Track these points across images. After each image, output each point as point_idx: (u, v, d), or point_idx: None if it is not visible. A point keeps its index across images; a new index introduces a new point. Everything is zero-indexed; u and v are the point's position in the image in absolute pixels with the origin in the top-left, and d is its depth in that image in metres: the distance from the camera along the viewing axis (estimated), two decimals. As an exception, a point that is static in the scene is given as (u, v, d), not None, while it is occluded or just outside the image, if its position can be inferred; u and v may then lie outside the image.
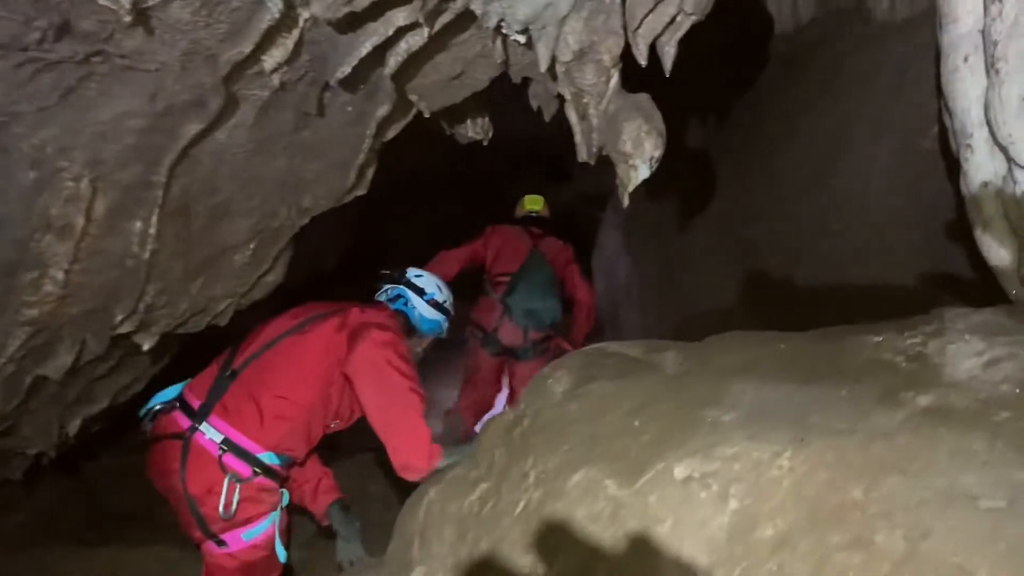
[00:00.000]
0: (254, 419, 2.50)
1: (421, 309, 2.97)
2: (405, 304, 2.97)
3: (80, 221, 2.43)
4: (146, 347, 2.98)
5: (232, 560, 2.55)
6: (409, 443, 2.46)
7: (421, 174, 6.83)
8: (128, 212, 2.55)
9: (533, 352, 4.59)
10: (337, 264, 6.11)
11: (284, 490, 2.66)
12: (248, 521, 2.52)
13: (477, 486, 2.16)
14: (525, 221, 5.01)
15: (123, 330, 2.81)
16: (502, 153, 4.78)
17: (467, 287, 4.72)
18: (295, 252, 3.53)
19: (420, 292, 2.99)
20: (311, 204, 3.16)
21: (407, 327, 2.91)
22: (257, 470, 2.50)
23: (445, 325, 3.08)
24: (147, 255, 2.65)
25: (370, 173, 3.14)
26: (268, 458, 2.52)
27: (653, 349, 2.22)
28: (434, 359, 3.43)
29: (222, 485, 2.45)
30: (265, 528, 2.56)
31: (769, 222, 4.26)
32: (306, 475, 2.92)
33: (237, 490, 2.45)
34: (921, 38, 3.92)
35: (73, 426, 3.41)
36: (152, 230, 2.61)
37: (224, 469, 2.45)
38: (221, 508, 2.43)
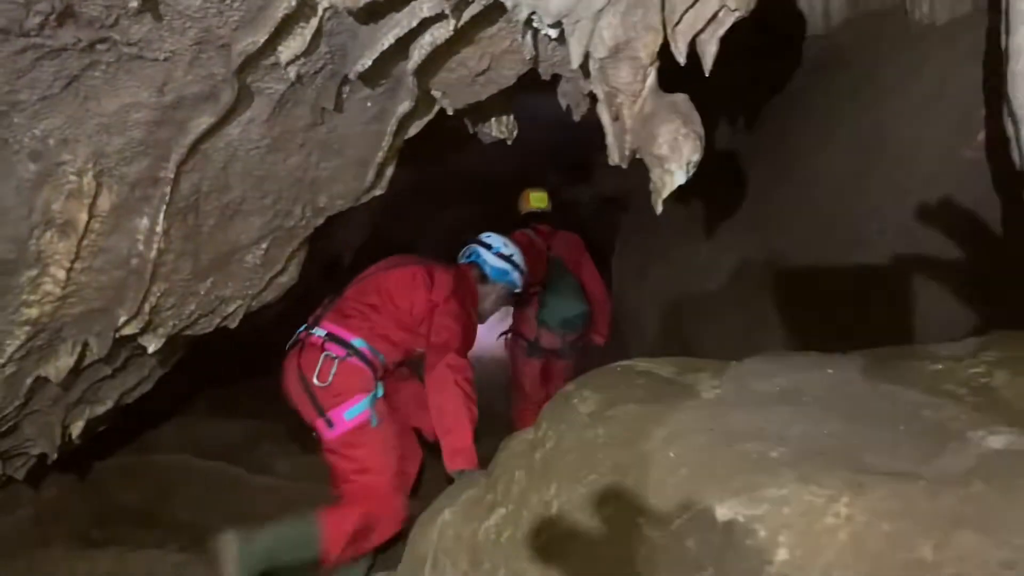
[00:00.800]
0: (347, 315, 3.16)
1: (490, 260, 3.58)
2: (478, 257, 3.61)
3: (83, 218, 2.32)
4: (151, 349, 2.87)
5: (341, 442, 3.02)
6: (454, 443, 2.95)
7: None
8: (134, 209, 2.44)
9: (570, 351, 4.86)
10: (351, 262, 6.00)
11: (379, 383, 3.15)
12: (346, 397, 3.01)
13: (494, 511, 2.03)
14: (529, 217, 5.06)
15: (127, 331, 2.69)
16: (516, 151, 4.68)
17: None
18: (312, 249, 3.46)
19: (488, 247, 3.63)
20: (327, 204, 3.04)
21: (481, 275, 3.55)
22: (350, 352, 3.06)
23: (515, 276, 3.63)
24: (153, 254, 2.53)
25: (389, 172, 3.02)
26: (359, 343, 3.09)
27: (686, 368, 2.07)
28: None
29: (320, 361, 3.03)
30: (363, 409, 3.02)
31: (801, 229, 4.10)
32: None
33: (334, 366, 3.01)
34: (964, 43, 3.75)
35: (76, 427, 3.31)
36: (159, 228, 2.49)
37: (324, 350, 3.06)
38: (317, 375, 3.00)
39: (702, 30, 2.30)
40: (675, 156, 2.28)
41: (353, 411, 3.01)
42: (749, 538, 1.35)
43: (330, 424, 3.01)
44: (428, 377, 3.06)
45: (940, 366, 1.75)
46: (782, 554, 1.30)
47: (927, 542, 1.20)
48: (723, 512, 1.41)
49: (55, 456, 3.36)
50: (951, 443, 1.42)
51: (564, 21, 2.15)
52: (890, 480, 1.33)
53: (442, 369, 3.01)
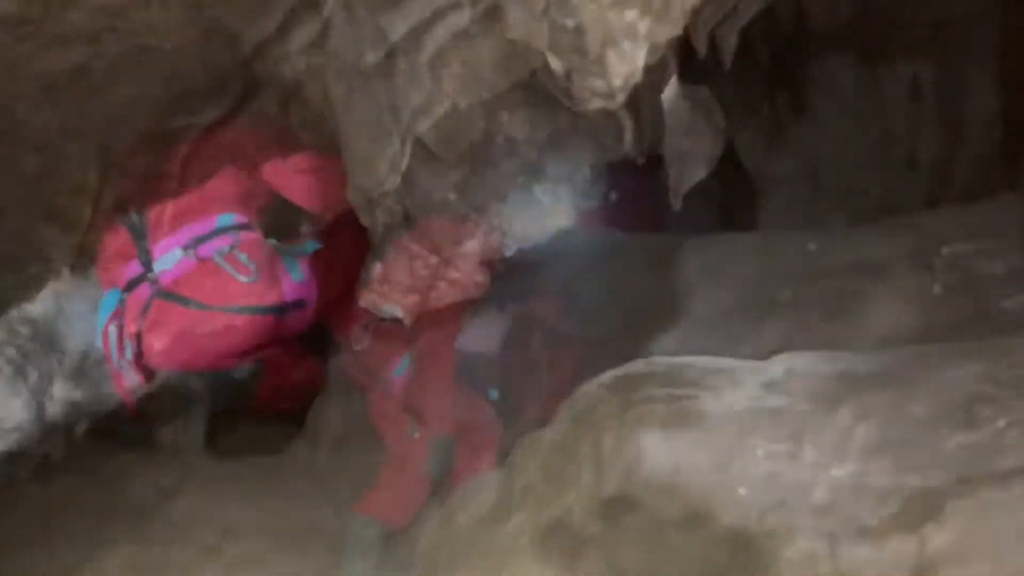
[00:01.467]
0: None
1: None
2: None
3: (87, 212, 2.27)
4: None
5: (401, 396, 3.20)
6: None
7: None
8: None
9: (582, 346, 4.88)
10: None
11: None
12: (387, 359, 3.26)
13: (511, 515, 1.97)
14: None
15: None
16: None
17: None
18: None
19: None
20: (335, 197, 3.00)
21: None
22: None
23: None
24: (159, 249, 2.49)
25: (402, 166, 2.97)
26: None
27: (711, 368, 2.00)
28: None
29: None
30: (407, 366, 3.23)
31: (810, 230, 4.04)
32: None
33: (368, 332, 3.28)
34: (981, 39, 3.70)
35: (81, 426, 3.27)
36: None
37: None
38: (354, 342, 3.32)
39: (722, 22, 2.25)
40: (696, 150, 2.24)
41: (399, 370, 3.24)
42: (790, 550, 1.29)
43: (387, 385, 3.26)
44: None
45: (982, 366, 1.68)
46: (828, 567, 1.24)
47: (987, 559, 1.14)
48: (762, 521, 1.35)
49: (60, 455, 3.32)
50: (1015, 450, 1.35)
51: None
52: (955, 488, 1.26)
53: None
